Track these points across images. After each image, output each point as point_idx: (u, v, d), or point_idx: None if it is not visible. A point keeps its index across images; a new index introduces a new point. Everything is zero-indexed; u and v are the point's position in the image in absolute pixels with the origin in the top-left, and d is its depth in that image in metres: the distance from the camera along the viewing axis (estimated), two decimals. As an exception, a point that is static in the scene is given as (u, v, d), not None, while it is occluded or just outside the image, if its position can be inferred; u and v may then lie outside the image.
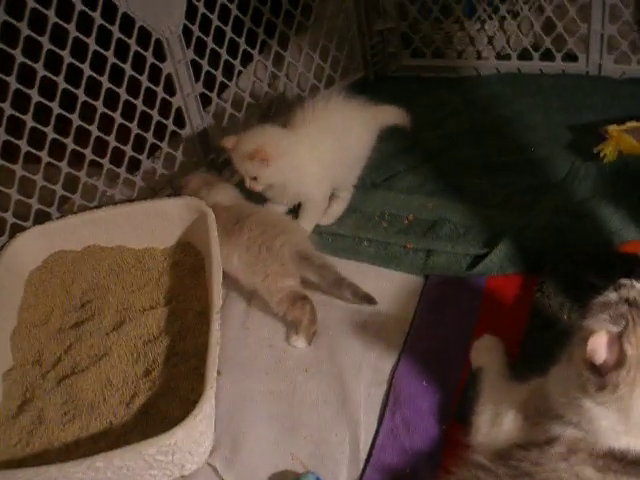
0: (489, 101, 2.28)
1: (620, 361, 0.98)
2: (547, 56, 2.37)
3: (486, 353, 1.43)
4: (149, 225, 1.87)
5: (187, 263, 1.82)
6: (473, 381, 1.38)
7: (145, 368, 1.57)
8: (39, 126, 1.80)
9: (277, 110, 2.26)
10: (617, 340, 0.99)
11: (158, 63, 1.96)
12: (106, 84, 1.88)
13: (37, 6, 1.70)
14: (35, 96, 1.77)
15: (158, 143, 2.05)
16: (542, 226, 1.73)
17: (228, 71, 2.15)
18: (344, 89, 2.36)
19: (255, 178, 1.79)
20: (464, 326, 1.56)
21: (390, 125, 1.95)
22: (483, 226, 1.80)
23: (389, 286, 1.72)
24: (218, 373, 1.43)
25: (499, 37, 2.43)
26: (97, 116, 1.89)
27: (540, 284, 1.57)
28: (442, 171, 2.00)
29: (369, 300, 1.65)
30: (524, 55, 2.40)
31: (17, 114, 1.75)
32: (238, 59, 2.16)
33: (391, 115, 1.96)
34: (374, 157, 2.02)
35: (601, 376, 1.00)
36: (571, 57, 2.35)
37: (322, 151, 1.83)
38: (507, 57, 2.42)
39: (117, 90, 1.91)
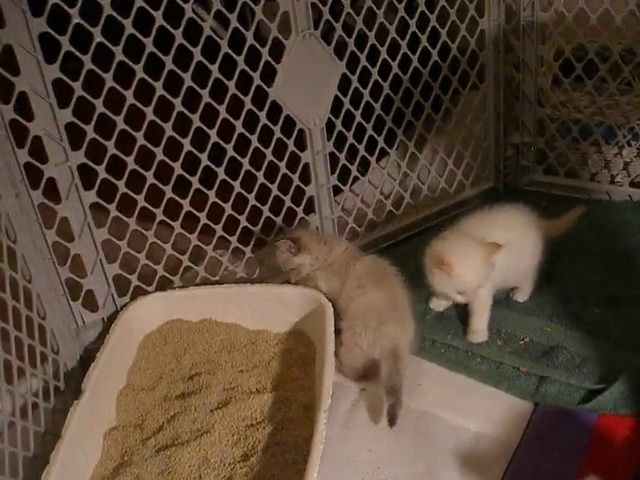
0: (619, 228, 2.24)
1: None
2: (682, 190, 2.33)
3: (590, 497, 1.40)
4: (266, 308, 1.90)
5: (298, 352, 1.83)
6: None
7: (244, 452, 1.57)
8: (177, 198, 1.88)
9: (405, 210, 2.29)
10: None
11: (298, 152, 2.00)
12: (246, 166, 1.94)
13: (192, 84, 1.78)
14: (178, 169, 1.84)
15: (286, 227, 2.09)
16: (662, 369, 1.68)
17: (362, 166, 2.19)
18: (474, 197, 2.39)
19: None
20: (570, 463, 1.52)
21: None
22: (600, 359, 1.75)
23: (496, 407, 1.69)
24: (315, 470, 1.43)
25: (635, 164, 2.39)
26: (233, 195, 1.95)
27: (654, 431, 1.53)
28: (563, 295, 1.96)
29: (390, 421, 1.63)
30: (658, 186, 2.37)
31: (158, 184, 1.83)
32: (375, 156, 2.19)
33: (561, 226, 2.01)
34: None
35: None
36: None
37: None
38: (641, 186, 2.39)
39: (255, 173, 1.96)
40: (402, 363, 1.72)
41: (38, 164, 1.66)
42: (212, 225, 1.96)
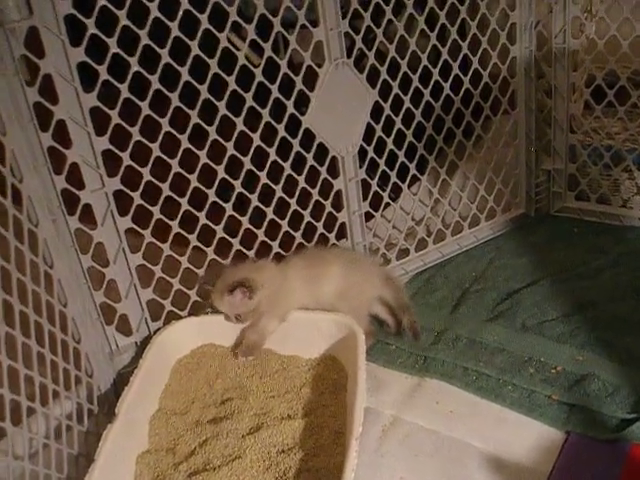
0: (651, 255, 2.24)
1: None
2: None
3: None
4: (298, 333, 1.90)
5: (329, 378, 1.83)
6: None
7: (275, 478, 1.57)
8: (211, 224, 1.90)
9: (436, 235, 2.30)
10: None
11: (331, 179, 2.02)
12: (279, 193, 1.96)
13: (226, 112, 1.81)
14: (212, 196, 1.87)
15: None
16: (696, 399, 1.67)
17: (393, 192, 2.20)
18: (505, 223, 2.39)
19: None
20: (602, 493, 1.52)
21: None
22: (632, 388, 1.73)
23: (528, 436, 1.67)
24: (347, 497, 1.43)
25: (667, 191, 2.39)
26: (266, 222, 1.98)
27: (689, 464, 1.51)
28: (596, 323, 1.94)
29: (415, 334, 1.94)
30: (691, 212, 2.36)
31: (192, 210, 1.86)
32: (406, 182, 2.20)
33: None
34: (528, 299, 2.03)
35: None
36: None
37: None
38: (673, 212, 2.38)
39: (288, 200, 1.99)
40: (399, 282, 2.03)
41: (75, 190, 1.69)
42: (245, 251, 1.98)
